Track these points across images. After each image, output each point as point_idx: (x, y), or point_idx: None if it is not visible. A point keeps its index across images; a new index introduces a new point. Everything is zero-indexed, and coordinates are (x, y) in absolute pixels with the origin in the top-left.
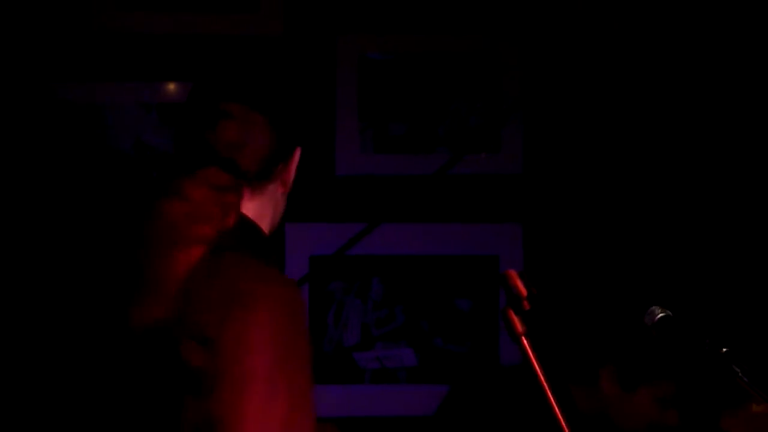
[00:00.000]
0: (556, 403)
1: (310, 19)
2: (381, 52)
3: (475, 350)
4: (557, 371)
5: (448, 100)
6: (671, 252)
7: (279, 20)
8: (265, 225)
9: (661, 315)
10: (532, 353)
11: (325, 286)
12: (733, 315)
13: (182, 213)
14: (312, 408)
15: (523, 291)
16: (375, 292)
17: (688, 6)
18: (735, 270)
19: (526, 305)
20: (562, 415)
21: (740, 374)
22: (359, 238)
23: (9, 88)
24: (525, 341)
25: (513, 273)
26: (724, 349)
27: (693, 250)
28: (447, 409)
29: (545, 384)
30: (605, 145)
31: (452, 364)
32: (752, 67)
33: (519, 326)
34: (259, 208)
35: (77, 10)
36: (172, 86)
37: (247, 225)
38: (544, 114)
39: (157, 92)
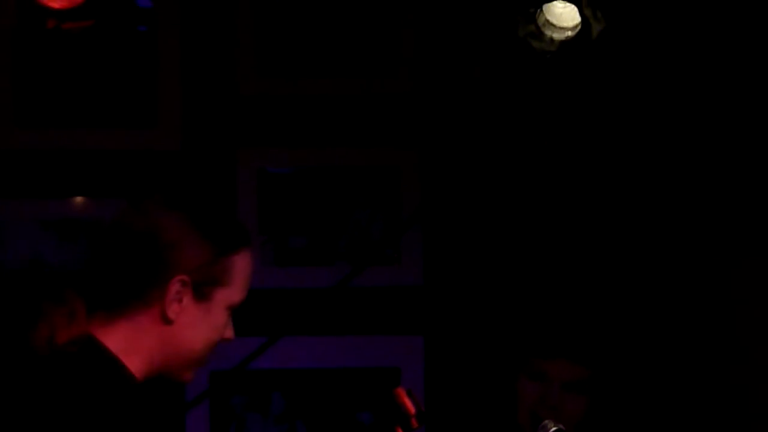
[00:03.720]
0: None
1: (208, 133)
2: (280, 165)
3: None
4: None
5: (349, 212)
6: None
7: (177, 135)
8: (137, 362)
9: (553, 429)
10: None
11: (226, 401)
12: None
13: None
14: None
15: (411, 408)
16: (276, 406)
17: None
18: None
19: (414, 423)
20: None
21: None
22: (260, 352)
23: None
24: None
25: (401, 391)
26: None
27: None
28: None
29: None
30: (504, 254)
31: None
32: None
33: None
34: (125, 339)
35: None
36: (71, 202)
37: (88, 353)
38: (444, 224)
39: (56, 209)
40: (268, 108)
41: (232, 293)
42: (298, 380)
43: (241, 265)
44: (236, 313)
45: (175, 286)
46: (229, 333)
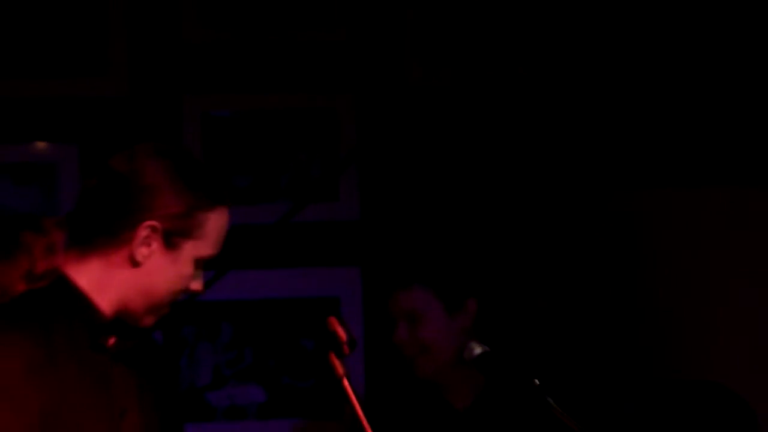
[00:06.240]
0: None
1: (154, 80)
2: (224, 109)
3: (319, 386)
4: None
5: (289, 153)
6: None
7: (125, 82)
8: (105, 300)
9: (479, 351)
10: (352, 393)
11: (178, 331)
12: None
13: None
14: None
15: (343, 336)
16: (225, 335)
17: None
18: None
19: (345, 349)
20: None
21: (553, 404)
22: (208, 285)
23: None
24: (345, 382)
25: (334, 319)
26: (537, 382)
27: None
28: None
29: (364, 420)
30: (435, 190)
31: (298, 399)
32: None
33: (340, 369)
34: (95, 276)
35: None
36: (25, 148)
37: (60, 288)
38: (379, 163)
39: (10, 154)
40: (212, 55)
41: (202, 247)
42: (245, 310)
43: (216, 223)
44: None
45: (143, 231)
46: (197, 285)
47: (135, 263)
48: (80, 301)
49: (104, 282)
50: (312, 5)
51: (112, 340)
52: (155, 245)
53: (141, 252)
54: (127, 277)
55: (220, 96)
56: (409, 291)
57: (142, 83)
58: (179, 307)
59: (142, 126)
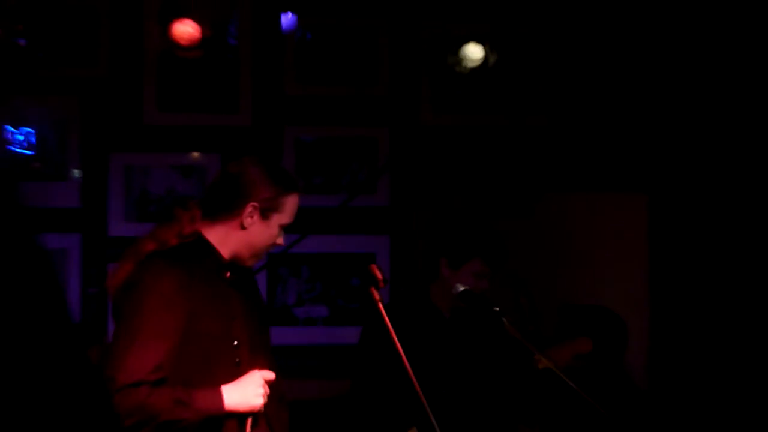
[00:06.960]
0: (400, 344)
1: (267, 116)
2: (309, 136)
3: (362, 307)
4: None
5: (347, 163)
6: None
7: (249, 117)
8: (225, 250)
9: (461, 289)
10: (385, 313)
11: (276, 270)
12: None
13: (145, 236)
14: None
15: (380, 276)
16: (304, 274)
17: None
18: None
19: (381, 284)
20: (403, 351)
21: (506, 323)
22: (296, 242)
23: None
24: (380, 306)
25: (374, 266)
26: (497, 309)
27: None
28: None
29: (392, 331)
30: (437, 190)
31: (349, 315)
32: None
33: (376, 296)
34: (219, 236)
35: (132, 110)
36: (188, 156)
37: (198, 242)
38: (402, 172)
39: (179, 159)
40: (303, 102)
41: (284, 218)
42: (317, 259)
43: (292, 202)
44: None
45: (249, 208)
46: (281, 240)
47: (243, 228)
48: (210, 250)
49: (224, 239)
50: (362, 70)
51: (228, 274)
52: (256, 217)
53: (247, 221)
54: (238, 237)
55: (307, 127)
56: None
57: (260, 118)
58: (277, 256)
59: (259, 144)
